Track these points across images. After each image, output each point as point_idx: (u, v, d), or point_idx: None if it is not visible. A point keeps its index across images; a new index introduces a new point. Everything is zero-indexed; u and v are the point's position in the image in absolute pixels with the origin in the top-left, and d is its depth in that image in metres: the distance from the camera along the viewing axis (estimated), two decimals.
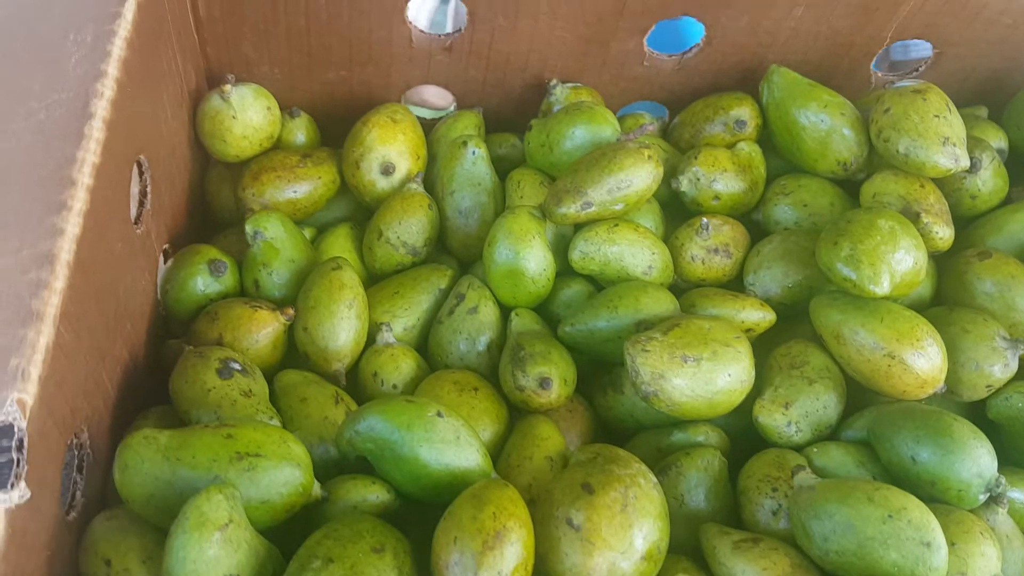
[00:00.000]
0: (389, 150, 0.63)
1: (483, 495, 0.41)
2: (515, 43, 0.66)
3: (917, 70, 0.70)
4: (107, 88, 0.44)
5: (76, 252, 0.39)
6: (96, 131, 0.42)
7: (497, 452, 0.52)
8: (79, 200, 0.40)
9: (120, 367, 0.49)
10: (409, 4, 0.63)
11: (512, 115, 0.72)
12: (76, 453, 0.44)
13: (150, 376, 0.54)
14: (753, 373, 0.52)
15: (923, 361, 0.52)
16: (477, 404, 0.52)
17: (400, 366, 0.55)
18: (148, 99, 0.52)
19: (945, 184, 0.62)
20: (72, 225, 0.39)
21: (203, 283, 0.57)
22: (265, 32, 0.64)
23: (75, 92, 0.43)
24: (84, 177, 0.41)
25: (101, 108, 0.43)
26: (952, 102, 0.60)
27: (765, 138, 0.68)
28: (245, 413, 0.47)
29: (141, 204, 0.53)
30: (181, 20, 0.59)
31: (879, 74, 0.71)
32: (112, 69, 0.45)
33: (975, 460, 0.48)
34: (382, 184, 0.64)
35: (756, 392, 0.53)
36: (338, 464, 0.49)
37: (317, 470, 0.46)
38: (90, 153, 0.42)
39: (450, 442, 0.44)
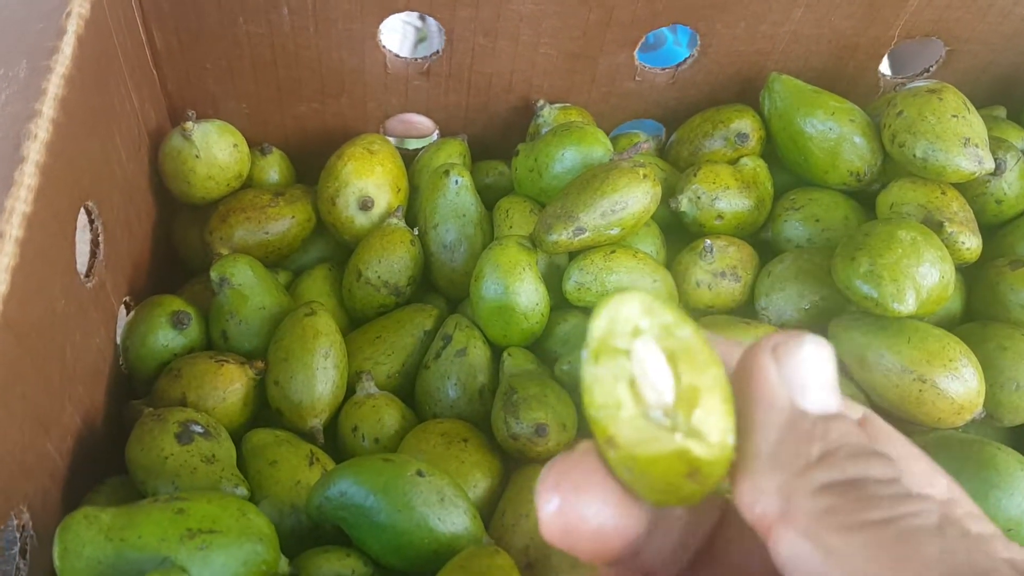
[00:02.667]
0: (367, 183, 0.59)
1: (471, 565, 0.36)
2: (497, 63, 0.62)
3: (928, 70, 0.66)
4: (41, 129, 0.40)
5: (3, 313, 0.35)
6: (28, 177, 0.38)
7: (491, 509, 0.47)
8: (6, 254, 0.36)
9: (71, 436, 0.44)
10: (381, 28, 0.59)
11: (498, 141, 0.68)
12: (18, 536, 0.39)
13: (111, 443, 0.49)
14: None
15: (958, 384, 0.48)
16: (467, 457, 0.47)
17: (383, 418, 0.50)
18: (95, 140, 0.48)
19: (968, 189, 0.57)
20: None
21: (165, 337, 0.52)
22: (229, 66, 0.60)
23: (4, 133, 0.39)
24: (13, 228, 0.37)
25: (34, 151, 0.39)
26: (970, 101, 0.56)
27: (770, 151, 0.64)
28: (207, 482, 0.42)
29: (93, 255, 0.49)
30: (136, 55, 0.55)
31: (887, 77, 0.66)
32: (47, 109, 0.41)
33: None
34: (360, 220, 0.59)
35: None
36: (313, 534, 0.44)
37: (289, 542, 0.41)
38: (20, 201, 0.37)
39: (433, 505, 0.39)
